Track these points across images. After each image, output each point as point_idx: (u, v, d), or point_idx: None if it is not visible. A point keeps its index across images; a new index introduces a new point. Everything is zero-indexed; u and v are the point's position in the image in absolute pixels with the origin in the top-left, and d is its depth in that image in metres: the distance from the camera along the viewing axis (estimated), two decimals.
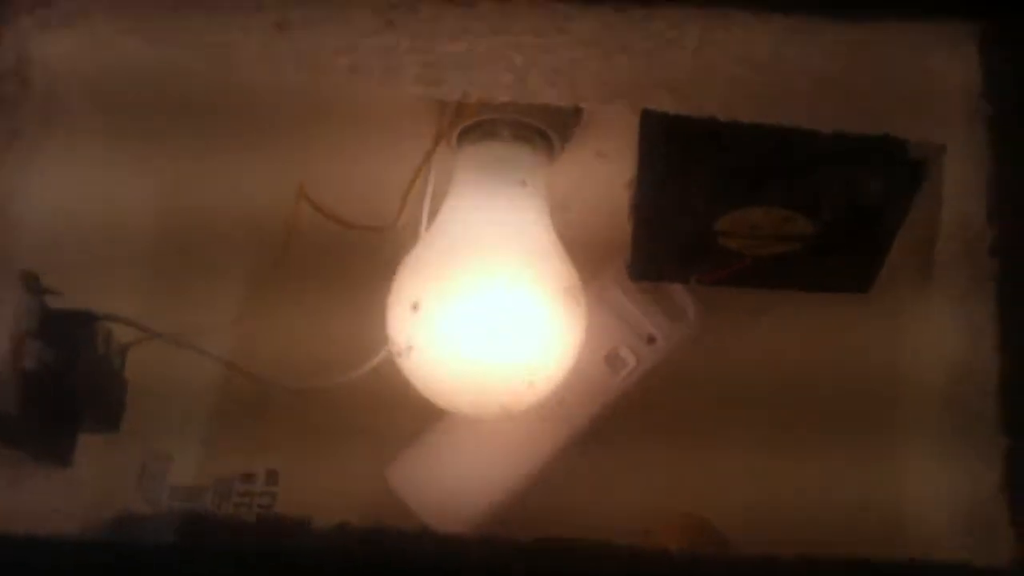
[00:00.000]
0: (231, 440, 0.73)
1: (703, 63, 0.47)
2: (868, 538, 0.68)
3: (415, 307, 0.57)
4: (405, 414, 0.72)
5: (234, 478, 0.74)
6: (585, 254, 0.68)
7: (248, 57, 0.51)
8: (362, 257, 0.71)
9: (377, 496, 0.72)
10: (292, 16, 0.47)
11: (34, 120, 0.51)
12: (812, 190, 0.59)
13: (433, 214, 0.63)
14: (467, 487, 0.69)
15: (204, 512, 0.66)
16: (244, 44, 0.50)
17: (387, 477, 0.69)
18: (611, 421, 0.72)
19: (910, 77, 0.46)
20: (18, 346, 0.54)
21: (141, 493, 0.73)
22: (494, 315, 0.58)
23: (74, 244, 0.60)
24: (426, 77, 0.51)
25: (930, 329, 0.60)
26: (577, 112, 0.63)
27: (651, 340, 0.72)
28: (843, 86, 0.47)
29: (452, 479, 0.69)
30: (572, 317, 0.60)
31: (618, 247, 0.73)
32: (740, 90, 0.49)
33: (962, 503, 0.45)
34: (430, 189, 0.62)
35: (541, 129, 0.61)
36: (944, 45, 0.44)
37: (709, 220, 0.62)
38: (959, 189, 0.45)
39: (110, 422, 0.64)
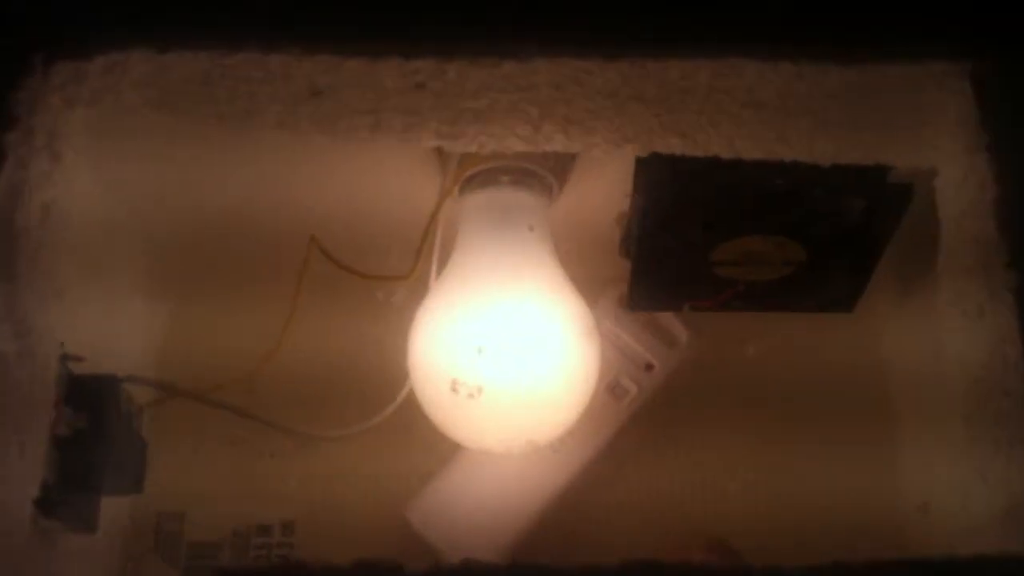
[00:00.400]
0: (248, 492, 0.74)
1: (711, 107, 0.50)
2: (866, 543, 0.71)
3: (480, 351, 0.59)
4: (416, 456, 0.73)
5: (250, 531, 0.75)
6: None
7: (270, 121, 0.52)
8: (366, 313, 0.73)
9: (395, 538, 0.73)
10: (321, 82, 0.49)
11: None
12: (802, 218, 0.62)
13: (440, 263, 0.65)
14: (487, 521, 0.70)
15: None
16: (268, 109, 0.51)
17: (407, 516, 0.71)
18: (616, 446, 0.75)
19: (908, 113, 0.49)
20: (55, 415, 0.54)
21: (159, 552, 0.74)
22: (528, 354, 0.60)
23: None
24: (445, 132, 0.53)
25: (928, 341, 0.63)
26: (573, 156, 0.65)
27: (649, 368, 0.75)
28: (844, 124, 0.50)
29: (472, 514, 0.71)
30: (593, 352, 0.63)
31: (608, 281, 0.76)
32: (745, 131, 0.52)
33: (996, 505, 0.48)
34: (439, 238, 0.64)
35: (542, 175, 0.63)
36: (939, 82, 0.48)
37: (705, 251, 0.65)
38: (968, 210, 0.48)
39: (134, 484, 0.65)
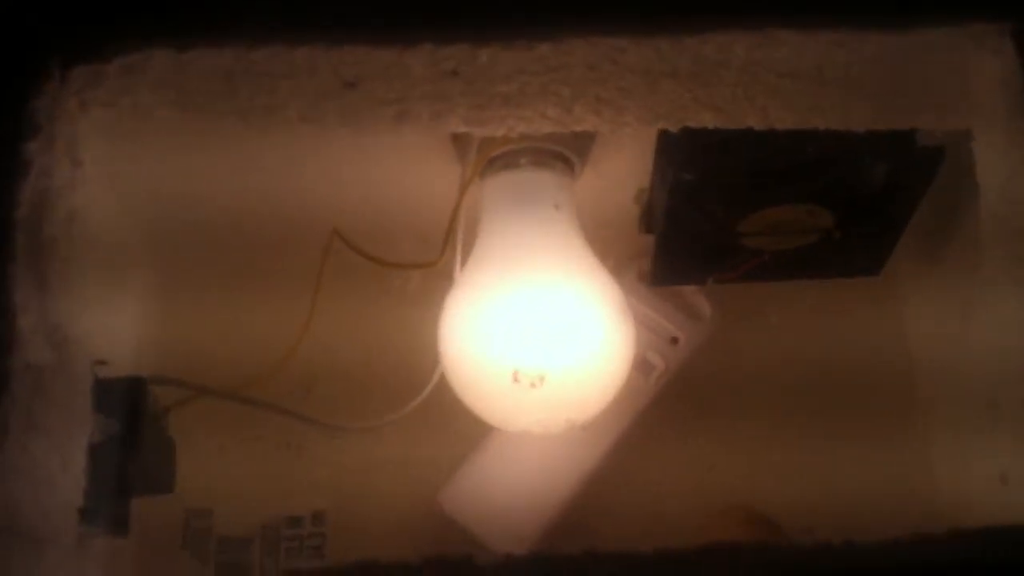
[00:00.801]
0: (276, 485, 0.73)
1: (747, 79, 0.49)
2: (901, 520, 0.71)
3: (539, 339, 0.59)
4: (445, 441, 0.73)
5: (280, 523, 0.74)
6: None
7: (292, 117, 0.51)
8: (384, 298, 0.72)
9: (428, 524, 0.73)
10: (350, 74, 0.47)
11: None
12: (829, 184, 0.62)
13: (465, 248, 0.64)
14: (520, 503, 0.70)
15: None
16: (290, 105, 0.50)
17: (439, 502, 0.70)
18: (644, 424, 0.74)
19: (947, 76, 0.48)
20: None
21: (189, 549, 0.73)
22: (583, 339, 0.59)
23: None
24: (473, 118, 0.52)
25: (955, 304, 0.63)
26: (593, 134, 0.64)
27: (674, 341, 0.74)
28: (881, 90, 0.49)
29: (505, 497, 0.70)
30: (630, 329, 0.62)
31: (628, 256, 0.75)
32: (779, 101, 0.51)
33: None
34: (462, 224, 0.63)
35: (564, 153, 0.62)
36: (980, 45, 0.47)
37: (731, 223, 0.64)
38: (1015, 173, 0.47)
39: (164, 485, 0.64)
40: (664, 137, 0.61)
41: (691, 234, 0.64)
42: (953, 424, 0.67)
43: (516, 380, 0.58)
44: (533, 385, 0.58)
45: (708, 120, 0.52)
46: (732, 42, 0.47)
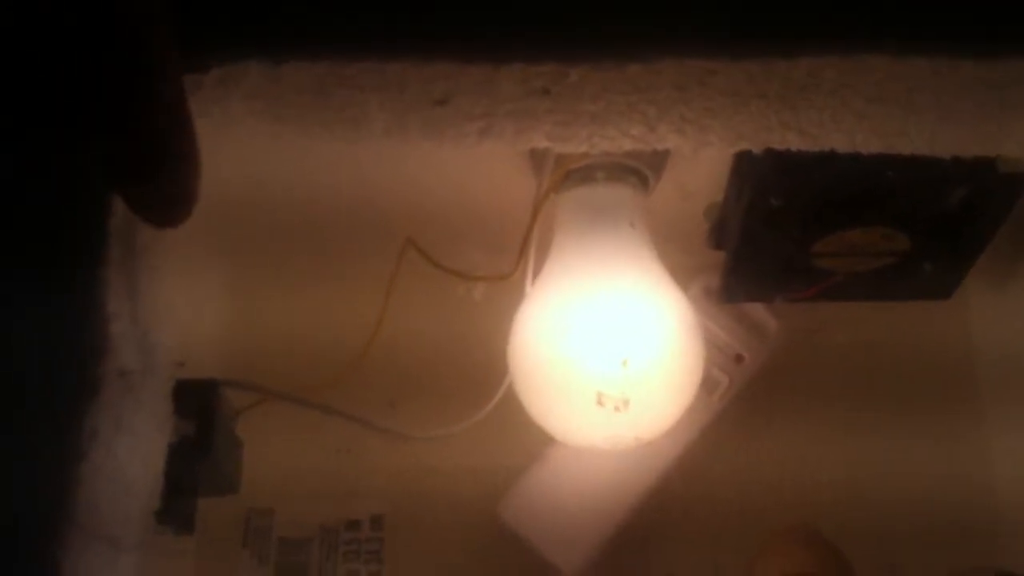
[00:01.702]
0: (337, 489, 0.74)
1: (834, 104, 0.49)
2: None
3: (625, 364, 0.58)
4: (506, 457, 0.73)
5: (339, 526, 0.75)
6: None
7: (377, 130, 0.51)
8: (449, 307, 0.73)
9: (486, 533, 0.73)
10: (439, 90, 0.48)
11: None
12: (907, 208, 0.61)
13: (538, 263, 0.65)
14: (581, 516, 0.70)
15: None
16: (377, 118, 0.50)
17: (500, 513, 0.71)
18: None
19: None
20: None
21: (249, 548, 0.74)
22: (665, 363, 0.60)
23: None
24: (556, 135, 0.52)
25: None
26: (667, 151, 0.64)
27: (739, 359, 0.74)
28: (969, 117, 0.49)
29: (565, 509, 0.71)
30: (701, 349, 0.62)
31: (691, 272, 0.75)
32: (866, 125, 0.50)
33: None
34: (535, 238, 0.63)
35: (640, 169, 0.62)
36: None
37: (806, 244, 0.64)
38: None
39: (231, 485, 0.65)
40: (743, 157, 0.61)
41: (765, 254, 0.64)
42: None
43: (600, 403, 0.58)
44: (617, 409, 0.58)
45: (792, 142, 0.52)
46: (823, 66, 0.47)
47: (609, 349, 0.59)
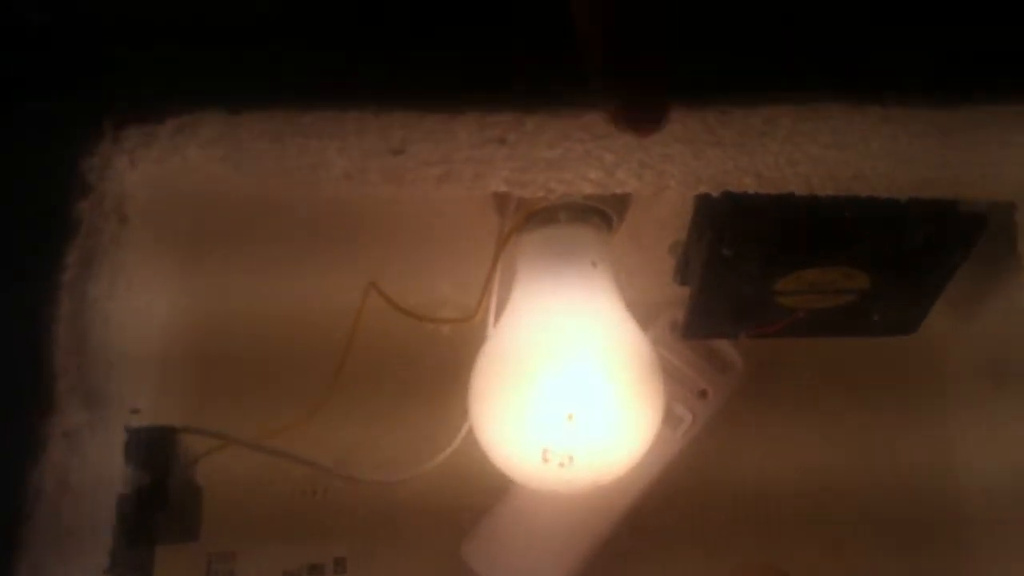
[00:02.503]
0: (299, 532, 0.73)
1: (790, 148, 0.49)
2: None
3: (570, 418, 0.58)
4: (470, 498, 0.72)
5: (301, 570, 0.74)
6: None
7: (336, 174, 0.51)
8: (417, 349, 0.72)
9: (447, 575, 0.72)
10: (396, 138, 0.47)
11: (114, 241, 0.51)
12: (867, 248, 0.62)
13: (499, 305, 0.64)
14: (544, 556, 0.70)
15: None
16: (335, 163, 0.50)
17: (463, 555, 0.70)
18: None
19: (992, 151, 0.48)
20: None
21: None
22: (611, 400, 0.59)
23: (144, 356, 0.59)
24: (514, 180, 0.52)
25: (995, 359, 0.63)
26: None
27: (703, 395, 0.74)
28: (926, 161, 0.49)
29: (528, 550, 0.70)
30: (661, 390, 0.62)
31: (657, 307, 0.75)
32: (822, 170, 0.51)
33: None
34: (497, 278, 0.63)
35: (603, 209, 0.62)
36: None
37: (767, 283, 0.64)
38: None
39: (191, 532, 0.64)
40: (702, 199, 0.61)
41: (726, 292, 0.64)
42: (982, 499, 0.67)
43: (545, 460, 0.58)
44: (562, 464, 0.58)
45: (750, 185, 0.52)
46: (780, 114, 0.47)
47: (555, 403, 0.58)
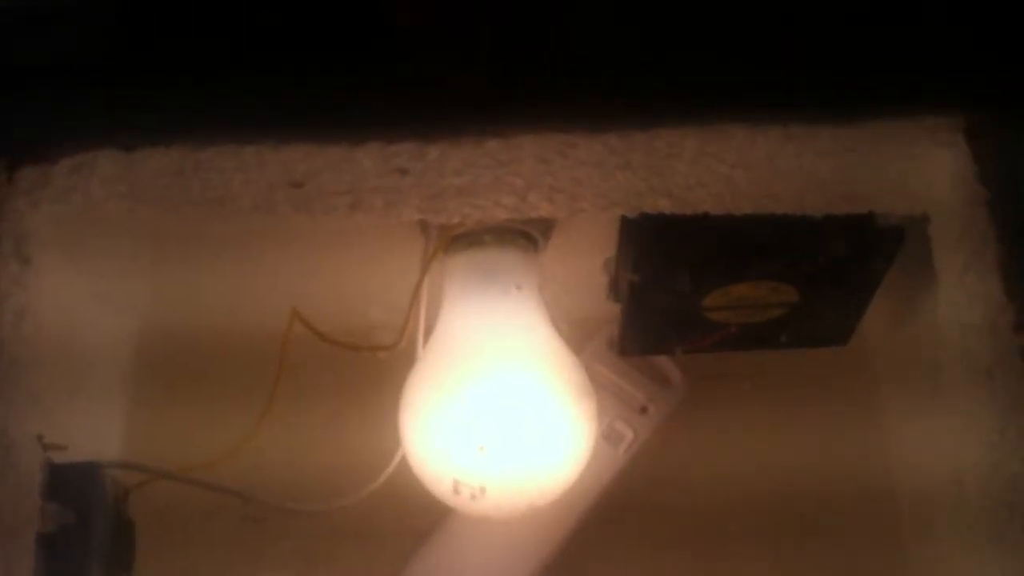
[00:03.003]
0: (240, 561, 0.73)
1: (700, 169, 0.49)
2: None
3: (482, 450, 0.57)
4: (411, 522, 0.72)
5: None
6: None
7: (246, 206, 0.51)
8: (351, 373, 0.72)
9: None
10: (299, 170, 0.47)
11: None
12: (791, 263, 0.62)
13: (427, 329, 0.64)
14: None
15: None
16: (243, 196, 0.50)
17: None
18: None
19: (901, 167, 0.48)
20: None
21: None
22: (529, 429, 0.59)
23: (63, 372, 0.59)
24: (427, 207, 0.52)
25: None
26: None
27: (643, 411, 0.74)
28: (835, 179, 0.49)
29: (469, 574, 0.69)
30: (592, 411, 0.61)
31: (596, 323, 0.75)
32: (734, 189, 0.51)
33: None
34: (424, 302, 0.62)
35: (527, 232, 0.62)
36: (933, 138, 0.47)
37: (696, 299, 0.64)
38: (970, 264, 0.47)
39: (124, 567, 0.64)
40: (625, 221, 0.61)
41: (656, 310, 0.64)
42: (920, 503, 0.67)
43: (456, 492, 0.57)
44: (473, 497, 0.57)
45: (664, 206, 0.52)
46: (682, 136, 0.47)
47: (465, 435, 0.57)
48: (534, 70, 0.47)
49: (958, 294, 0.49)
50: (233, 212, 0.51)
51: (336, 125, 0.46)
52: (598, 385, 0.72)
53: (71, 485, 0.57)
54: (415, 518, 0.72)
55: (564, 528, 0.71)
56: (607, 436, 0.72)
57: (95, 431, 0.63)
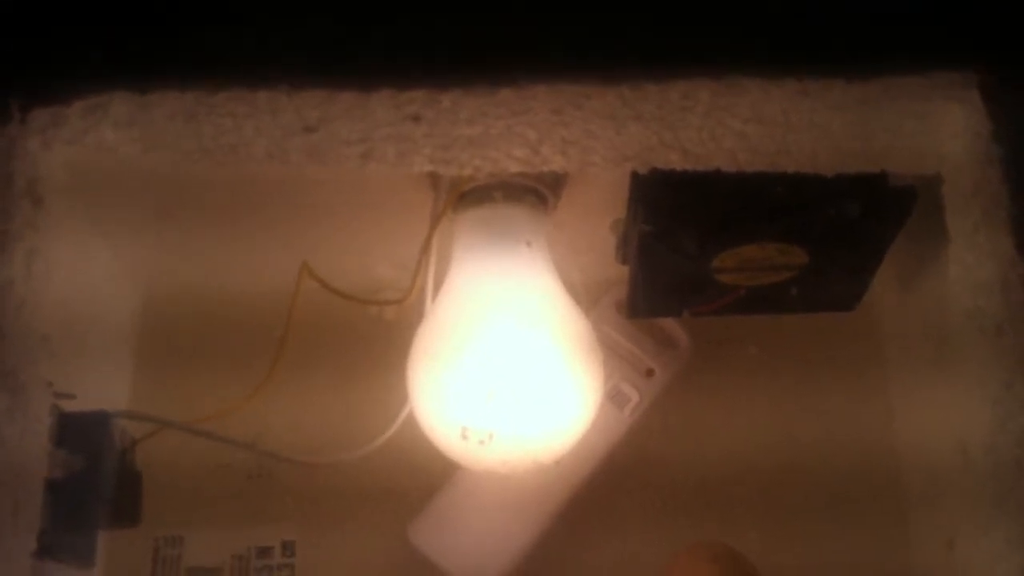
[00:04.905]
0: (246, 515, 0.73)
1: (713, 123, 0.49)
2: None
3: (489, 396, 0.57)
4: (417, 479, 0.72)
5: (250, 553, 0.74)
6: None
7: (258, 154, 0.51)
8: (358, 332, 0.72)
9: (398, 557, 0.72)
10: (312, 117, 0.47)
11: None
12: (802, 223, 0.61)
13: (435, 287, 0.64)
14: (491, 538, 0.70)
15: None
16: (255, 143, 0.50)
17: (408, 536, 0.70)
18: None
19: (915, 123, 0.48)
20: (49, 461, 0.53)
21: None
22: (538, 393, 0.59)
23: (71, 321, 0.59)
24: (438, 158, 0.51)
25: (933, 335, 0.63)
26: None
27: (649, 373, 0.74)
28: (848, 135, 0.49)
29: (475, 531, 0.70)
30: (598, 369, 0.62)
31: (604, 286, 0.75)
32: (747, 145, 0.50)
33: None
34: (434, 259, 0.62)
35: (538, 189, 0.62)
36: (946, 94, 0.46)
37: (705, 261, 0.63)
38: (981, 222, 0.47)
39: (131, 517, 0.64)
40: (636, 177, 0.61)
41: (665, 270, 0.64)
42: (923, 469, 0.67)
43: (464, 437, 0.58)
44: (482, 442, 0.58)
45: (675, 162, 0.52)
46: (696, 88, 0.47)
47: (473, 381, 0.58)
48: (548, 19, 0.47)
49: (969, 253, 0.49)
50: (245, 160, 0.51)
51: (350, 71, 0.45)
52: (604, 347, 0.72)
53: (80, 433, 0.58)
54: (420, 475, 0.72)
55: (569, 488, 0.71)
56: (612, 398, 0.72)
57: (102, 384, 0.63)
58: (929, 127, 0.49)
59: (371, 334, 0.75)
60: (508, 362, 0.59)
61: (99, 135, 0.48)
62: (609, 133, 0.49)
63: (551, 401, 0.59)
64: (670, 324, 0.75)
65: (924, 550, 0.68)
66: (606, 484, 0.73)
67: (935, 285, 0.63)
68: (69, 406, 0.57)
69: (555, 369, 0.59)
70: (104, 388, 0.64)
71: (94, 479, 0.58)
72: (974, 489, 0.49)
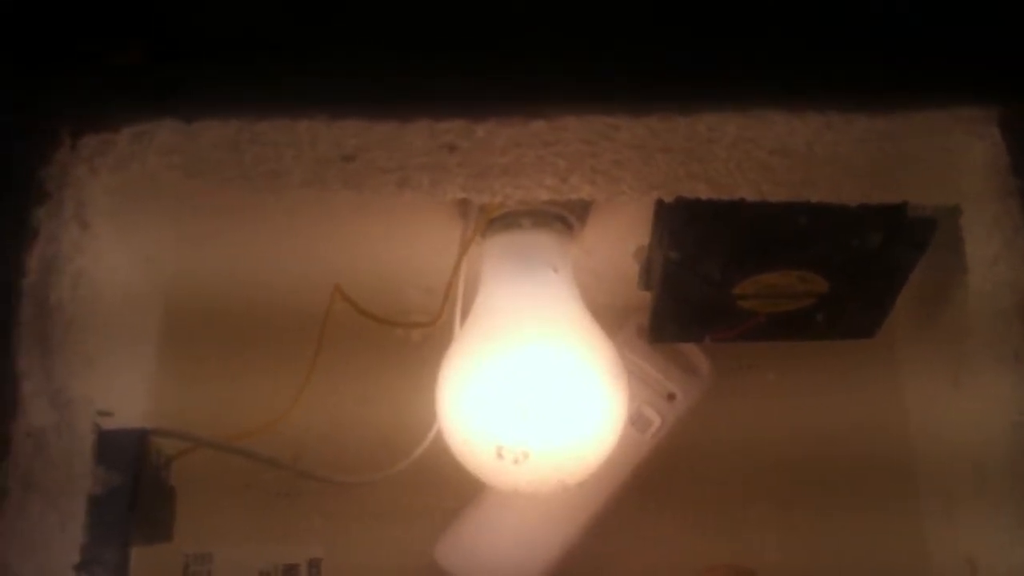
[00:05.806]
0: (273, 533, 0.74)
1: (739, 155, 0.50)
2: None
3: (524, 415, 0.59)
4: (444, 499, 0.73)
5: (277, 571, 0.75)
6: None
7: (296, 181, 0.52)
8: (386, 354, 0.73)
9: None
10: (350, 145, 0.49)
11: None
12: (823, 252, 0.63)
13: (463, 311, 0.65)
14: (515, 558, 0.71)
15: None
16: (294, 170, 0.51)
17: (435, 556, 0.71)
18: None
19: (936, 157, 0.50)
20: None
21: None
22: (570, 413, 0.60)
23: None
24: (471, 186, 0.53)
25: (947, 370, 0.64)
26: None
27: (671, 397, 0.75)
28: (871, 168, 0.50)
29: (500, 551, 0.71)
30: (623, 393, 0.63)
31: (627, 311, 0.76)
32: (771, 176, 0.52)
33: None
34: (462, 283, 0.64)
35: (564, 216, 0.63)
36: (967, 129, 0.48)
37: (727, 287, 0.65)
38: (1001, 254, 0.48)
39: (164, 534, 0.65)
40: (660, 205, 0.62)
41: (687, 296, 0.65)
42: (941, 493, 0.68)
43: (500, 456, 0.59)
44: (516, 461, 0.59)
45: (702, 191, 0.54)
46: (723, 121, 0.48)
47: (509, 400, 0.59)
48: (580, 53, 0.48)
49: (988, 284, 0.50)
50: (284, 186, 0.53)
51: (388, 101, 0.47)
52: (627, 372, 0.73)
53: (119, 450, 0.59)
54: (446, 496, 0.73)
55: (592, 509, 0.72)
56: (635, 421, 0.73)
57: (132, 398, 0.64)
58: (950, 160, 0.50)
59: (397, 356, 0.76)
60: (541, 382, 0.60)
61: (143, 162, 0.50)
62: (637, 163, 0.51)
63: (582, 421, 0.61)
64: (692, 350, 0.76)
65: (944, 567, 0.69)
66: (629, 503, 0.74)
67: (954, 313, 0.64)
68: (106, 423, 0.58)
69: (586, 389, 0.61)
70: (134, 401, 0.65)
71: (131, 496, 0.59)
72: (990, 498, 0.50)
